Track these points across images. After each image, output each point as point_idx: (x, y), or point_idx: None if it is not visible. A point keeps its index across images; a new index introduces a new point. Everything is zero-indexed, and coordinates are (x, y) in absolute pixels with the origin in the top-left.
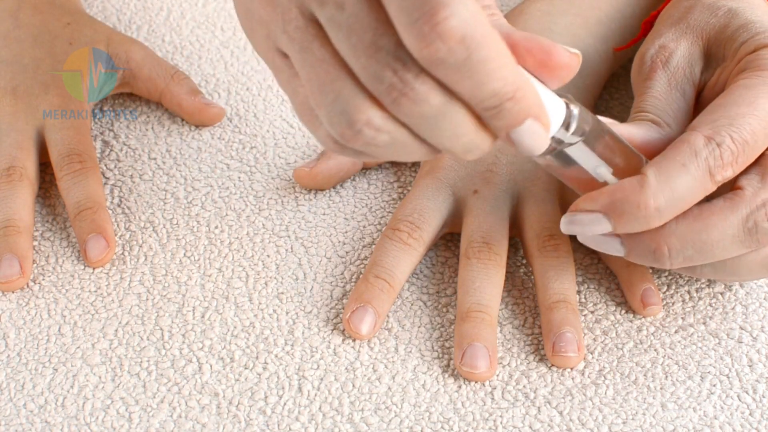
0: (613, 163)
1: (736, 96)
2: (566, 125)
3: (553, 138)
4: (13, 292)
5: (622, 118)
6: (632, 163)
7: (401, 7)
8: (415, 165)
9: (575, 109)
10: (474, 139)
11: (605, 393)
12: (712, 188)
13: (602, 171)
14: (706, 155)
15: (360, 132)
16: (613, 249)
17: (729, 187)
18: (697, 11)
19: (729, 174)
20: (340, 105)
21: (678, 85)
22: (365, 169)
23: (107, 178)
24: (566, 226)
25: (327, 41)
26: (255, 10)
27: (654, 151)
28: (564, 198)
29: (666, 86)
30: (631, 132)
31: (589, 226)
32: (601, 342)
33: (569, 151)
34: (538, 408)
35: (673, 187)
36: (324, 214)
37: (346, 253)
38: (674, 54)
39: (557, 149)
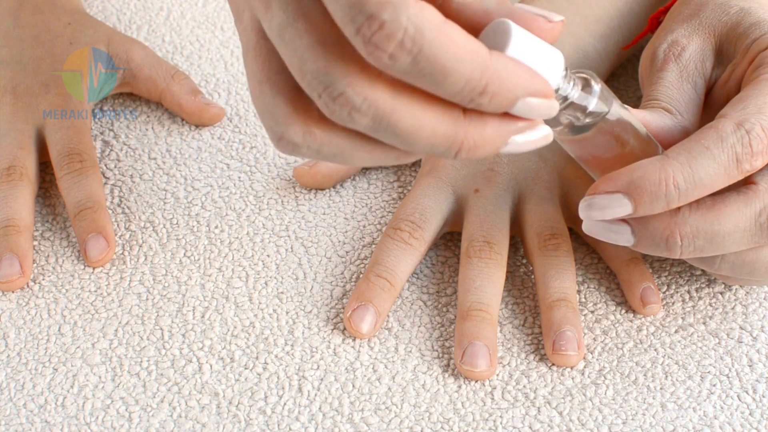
0: (629, 145)
1: (762, 87)
2: (587, 101)
3: (571, 114)
4: (13, 292)
5: None
6: (648, 148)
7: (343, 19)
8: (416, 165)
9: (596, 86)
10: (437, 139)
11: (605, 393)
12: (738, 176)
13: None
14: (734, 142)
15: (280, 144)
16: (623, 239)
17: (742, 181)
18: (709, 9)
19: (759, 164)
20: (264, 119)
21: (690, 77)
22: (365, 168)
23: (107, 178)
24: (585, 210)
25: (261, 51)
26: None
27: (666, 138)
28: (565, 197)
29: (678, 77)
30: (645, 118)
31: (609, 209)
32: (601, 342)
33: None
34: (538, 408)
35: (694, 167)
36: (324, 214)
37: (346, 252)
38: (686, 49)
39: (576, 125)
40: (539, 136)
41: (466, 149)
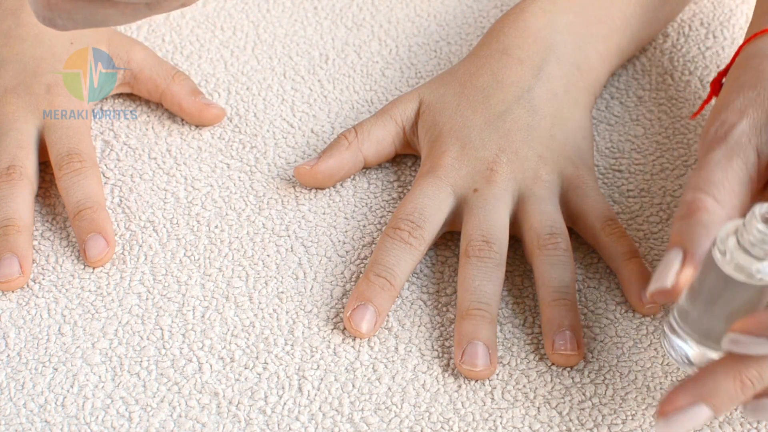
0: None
1: None
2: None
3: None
4: (13, 292)
5: (622, 117)
6: None
7: None
8: (416, 164)
9: None
10: None
11: (605, 393)
12: None
13: None
14: None
15: (41, 21)
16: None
17: None
18: (767, 79)
19: None
20: (30, 3)
21: (740, 153)
22: (366, 168)
23: (107, 178)
24: (729, 340)
25: None
26: None
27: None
28: (565, 197)
29: (725, 157)
30: None
31: (754, 348)
32: (601, 341)
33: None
34: (538, 408)
35: None
36: (324, 214)
37: (346, 252)
38: (736, 126)
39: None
40: None
41: None
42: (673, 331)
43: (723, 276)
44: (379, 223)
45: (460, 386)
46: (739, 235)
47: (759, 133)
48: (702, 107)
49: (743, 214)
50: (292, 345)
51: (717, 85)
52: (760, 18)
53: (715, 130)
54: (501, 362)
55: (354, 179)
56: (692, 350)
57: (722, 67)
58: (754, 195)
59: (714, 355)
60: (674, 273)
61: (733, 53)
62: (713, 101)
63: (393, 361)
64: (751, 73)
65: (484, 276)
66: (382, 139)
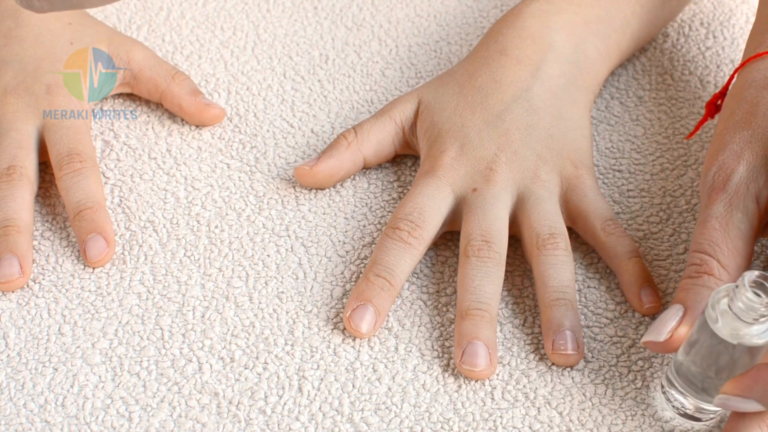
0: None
1: None
2: None
3: None
4: (13, 292)
5: (622, 117)
6: None
7: None
8: (415, 164)
9: None
10: None
11: (605, 393)
12: None
13: None
14: None
15: (20, 3)
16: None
17: None
18: (760, 115)
19: None
20: None
21: (740, 204)
22: (366, 168)
23: (107, 178)
24: (720, 401)
25: None
26: None
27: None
28: (564, 197)
29: (725, 211)
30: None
31: (743, 406)
32: (601, 341)
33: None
34: (538, 408)
35: None
36: (324, 214)
37: (346, 252)
38: (735, 172)
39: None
40: None
41: None
42: (671, 384)
43: (715, 337)
44: (379, 223)
45: (460, 386)
46: (730, 300)
47: (756, 177)
48: (697, 128)
49: (748, 265)
50: (292, 345)
51: (712, 107)
52: (757, 36)
53: (713, 175)
54: (501, 362)
55: (354, 179)
56: (688, 402)
57: (722, 67)
58: (756, 237)
59: (709, 407)
60: (670, 328)
61: (733, 53)
62: (709, 120)
63: (393, 361)
64: (746, 108)
65: (483, 276)
66: (382, 140)
